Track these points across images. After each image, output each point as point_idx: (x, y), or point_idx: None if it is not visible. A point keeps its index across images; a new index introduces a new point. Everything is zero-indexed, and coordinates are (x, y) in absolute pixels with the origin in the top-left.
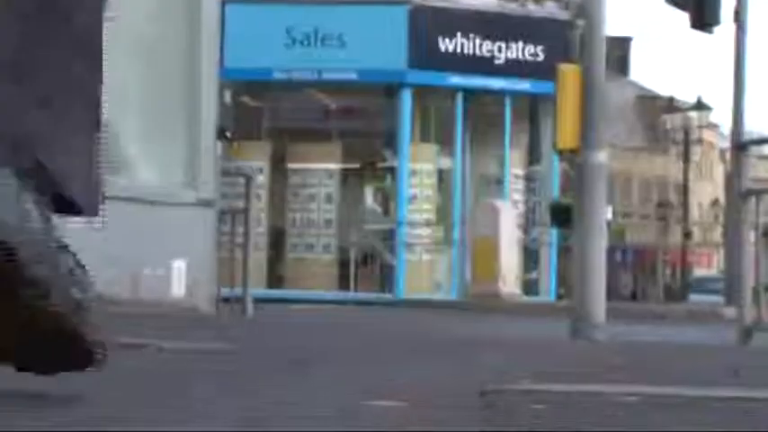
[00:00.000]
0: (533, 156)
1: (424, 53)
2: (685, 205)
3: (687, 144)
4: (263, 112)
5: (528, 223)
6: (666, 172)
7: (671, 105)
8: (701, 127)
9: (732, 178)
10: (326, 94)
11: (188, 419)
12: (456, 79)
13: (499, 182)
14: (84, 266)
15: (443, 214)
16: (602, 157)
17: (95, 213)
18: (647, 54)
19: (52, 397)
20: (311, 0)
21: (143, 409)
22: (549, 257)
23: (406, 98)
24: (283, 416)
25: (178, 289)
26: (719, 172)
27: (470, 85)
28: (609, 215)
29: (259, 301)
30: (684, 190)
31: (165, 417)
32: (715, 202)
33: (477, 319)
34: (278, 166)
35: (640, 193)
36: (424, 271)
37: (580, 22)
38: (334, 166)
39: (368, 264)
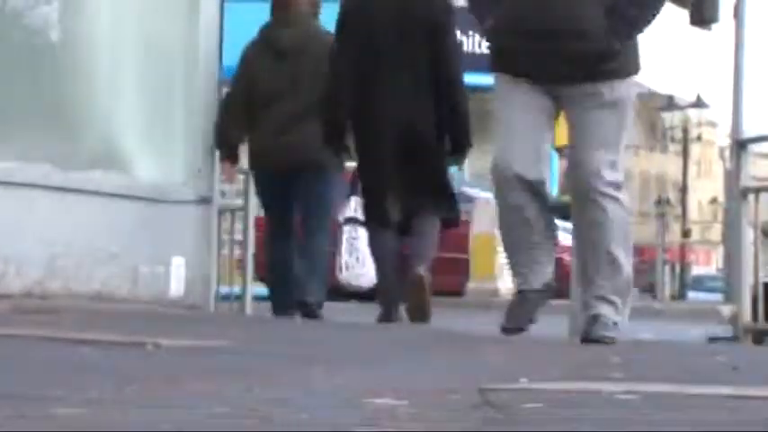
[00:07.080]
0: None
1: None
2: (684, 203)
3: (686, 142)
4: None
5: None
6: (665, 170)
7: (670, 103)
8: (700, 125)
9: (731, 176)
10: None
11: (185, 408)
12: None
13: None
14: None
15: None
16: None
17: None
18: (646, 52)
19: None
20: None
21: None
22: None
23: None
24: (282, 412)
25: (177, 287)
26: (719, 170)
27: (470, 82)
28: None
29: (258, 299)
30: (683, 188)
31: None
32: (714, 200)
33: (475, 315)
34: None
35: (639, 191)
36: None
37: None
38: None
39: None
